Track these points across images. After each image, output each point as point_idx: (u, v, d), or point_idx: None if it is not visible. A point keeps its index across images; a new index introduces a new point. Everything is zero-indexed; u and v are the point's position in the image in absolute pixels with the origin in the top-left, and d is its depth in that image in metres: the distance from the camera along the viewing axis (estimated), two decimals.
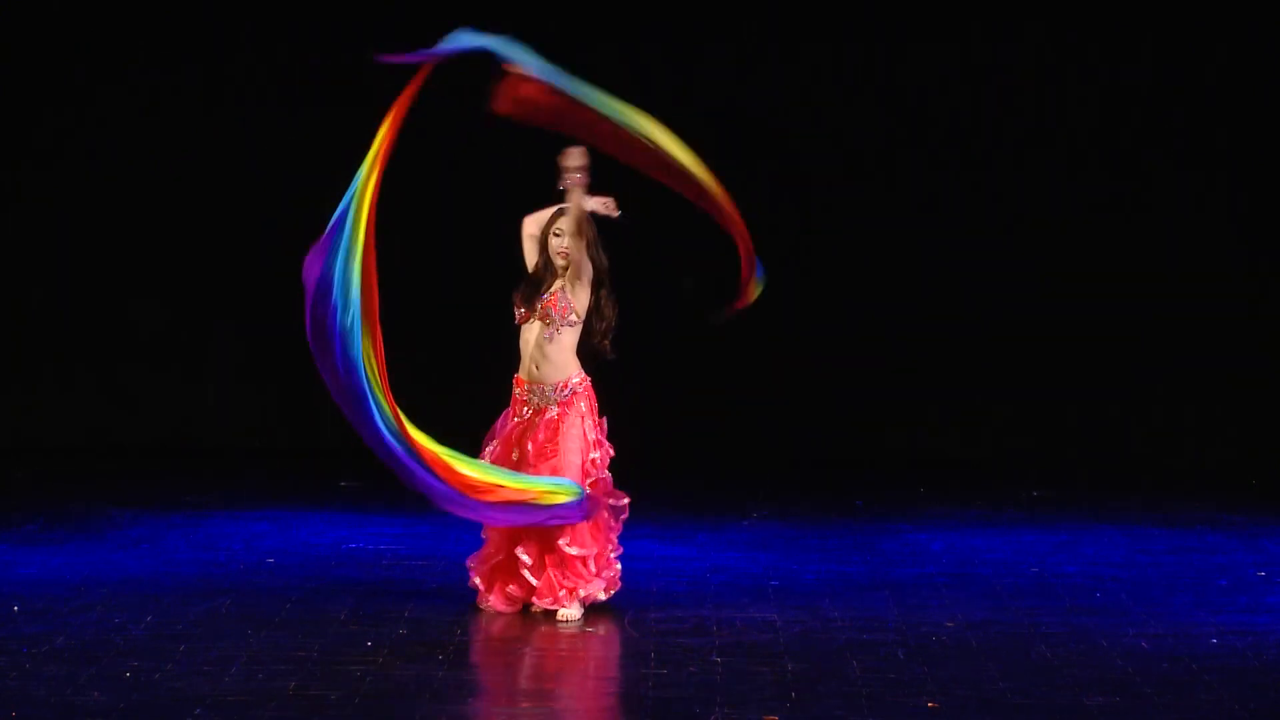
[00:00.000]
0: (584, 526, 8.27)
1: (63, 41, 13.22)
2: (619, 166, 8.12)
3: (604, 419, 8.44)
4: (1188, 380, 13.25)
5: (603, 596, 8.31)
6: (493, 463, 8.26)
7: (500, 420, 8.47)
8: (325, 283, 7.78)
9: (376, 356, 7.90)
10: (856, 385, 13.29)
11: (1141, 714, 6.81)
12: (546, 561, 8.25)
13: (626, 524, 8.47)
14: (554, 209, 8.40)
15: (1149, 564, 9.66)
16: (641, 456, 8.89)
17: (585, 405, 8.34)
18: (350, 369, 7.81)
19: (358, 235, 7.84)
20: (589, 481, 8.26)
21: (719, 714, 6.83)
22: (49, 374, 13.50)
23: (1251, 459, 13.03)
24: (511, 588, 8.33)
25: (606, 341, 8.42)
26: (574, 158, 8.19)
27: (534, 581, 8.24)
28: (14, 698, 6.83)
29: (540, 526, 8.21)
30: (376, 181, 7.89)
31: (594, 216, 8.32)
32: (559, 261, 8.32)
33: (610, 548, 8.37)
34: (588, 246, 8.29)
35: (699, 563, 9.56)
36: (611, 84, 8.04)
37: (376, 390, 7.88)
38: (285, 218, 13.35)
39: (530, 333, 8.35)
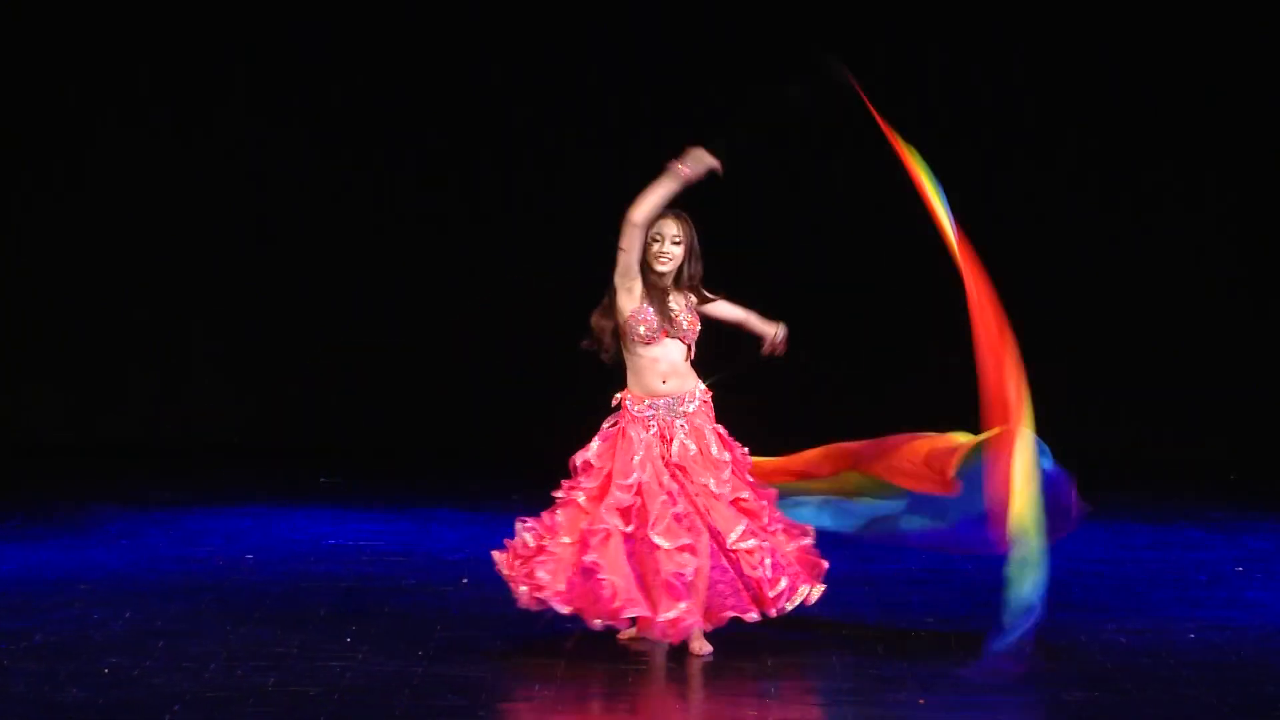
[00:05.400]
0: None
1: (60, 48, 13.21)
2: None
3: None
4: (1167, 376, 13.27)
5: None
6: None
7: (603, 449, 7.70)
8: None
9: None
10: (843, 383, 13.29)
11: (1121, 709, 6.81)
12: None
13: None
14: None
15: (1129, 559, 9.67)
16: None
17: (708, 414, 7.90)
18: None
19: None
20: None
21: (700, 709, 6.83)
22: (30, 371, 13.48)
23: (1231, 455, 13.04)
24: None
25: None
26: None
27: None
28: None
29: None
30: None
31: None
32: (662, 268, 7.73)
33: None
34: (688, 253, 7.78)
35: None
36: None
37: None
38: (274, 219, 13.41)
39: (662, 351, 7.72)
